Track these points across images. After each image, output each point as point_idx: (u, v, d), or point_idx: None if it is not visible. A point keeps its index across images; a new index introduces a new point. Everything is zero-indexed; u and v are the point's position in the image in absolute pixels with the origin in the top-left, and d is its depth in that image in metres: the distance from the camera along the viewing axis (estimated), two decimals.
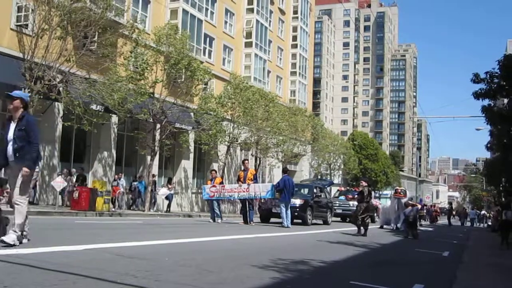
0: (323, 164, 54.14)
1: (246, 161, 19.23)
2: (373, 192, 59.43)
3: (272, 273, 6.00)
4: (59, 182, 19.04)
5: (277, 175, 36.88)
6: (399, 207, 22.10)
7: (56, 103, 21.72)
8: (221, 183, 19.23)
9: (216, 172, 20.38)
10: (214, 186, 18.21)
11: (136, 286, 4.59)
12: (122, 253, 6.77)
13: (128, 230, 12.24)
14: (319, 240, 12.54)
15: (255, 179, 18.31)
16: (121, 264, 5.90)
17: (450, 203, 60.24)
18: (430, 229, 30.45)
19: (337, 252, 9.94)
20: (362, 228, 15.47)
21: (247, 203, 17.89)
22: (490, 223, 44.97)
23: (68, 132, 23.42)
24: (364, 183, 16.58)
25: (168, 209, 26.02)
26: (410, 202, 21.17)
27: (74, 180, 21.62)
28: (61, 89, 20.24)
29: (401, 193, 22.76)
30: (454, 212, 56.91)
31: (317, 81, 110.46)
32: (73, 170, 22.85)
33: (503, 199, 35.27)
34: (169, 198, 26.10)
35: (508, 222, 17.38)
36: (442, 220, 52.56)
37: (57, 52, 19.45)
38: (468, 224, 50.87)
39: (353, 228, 17.03)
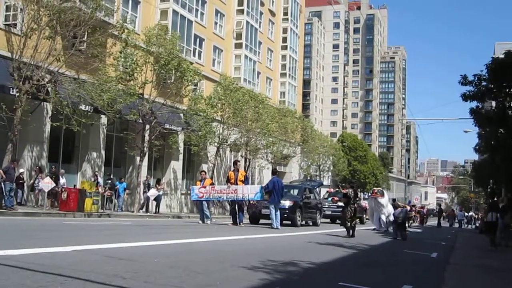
0: (313, 166, 54.21)
1: (238, 162, 19.21)
2: (361, 194, 59.69)
3: (261, 275, 6.00)
4: (47, 183, 18.90)
5: (267, 177, 36.91)
6: (375, 207, 22.29)
7: (45, 103, 21.55)
8: (212, 184, 19.17)
9: (205, 173, 20.32)
10: (203, 187, 18.14)
11: (124, 287, 4.57)
12: (111, 255, 6.74)
13: (117, 231, 12.18)
14: (308, 242, 12.56)
15: (246, 180, 18.30)
16: (109, 265, 5.87)
17: (439, 205, 60.71)
18: (419, 230, 30.62)
19: (326, 253, 9.96)
20: (350, 230, 15.59)
21: (236, 204, 17.89)
22: (478, 225, 45.38)
23: (56, 133, 23.26)
24: (348, 185, 16.82)
25: (157, 210, 25.92)
26: (399, 203, 21.30)
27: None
28: (49, 89, 20.10)
29: (378, 193, 22.97)
30: (444, 214, 57.35)
31: (306, 83, 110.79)
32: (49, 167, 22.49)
33: (490, 200, 35.56)
34: (158, 199, 25.99)
35: (492, 223, 17.52)
36: (430, 222, 52.87)
37: (46, 51, 19.33)
38: (457, 225, 51.31)
39: (342, 230, 17.08)
